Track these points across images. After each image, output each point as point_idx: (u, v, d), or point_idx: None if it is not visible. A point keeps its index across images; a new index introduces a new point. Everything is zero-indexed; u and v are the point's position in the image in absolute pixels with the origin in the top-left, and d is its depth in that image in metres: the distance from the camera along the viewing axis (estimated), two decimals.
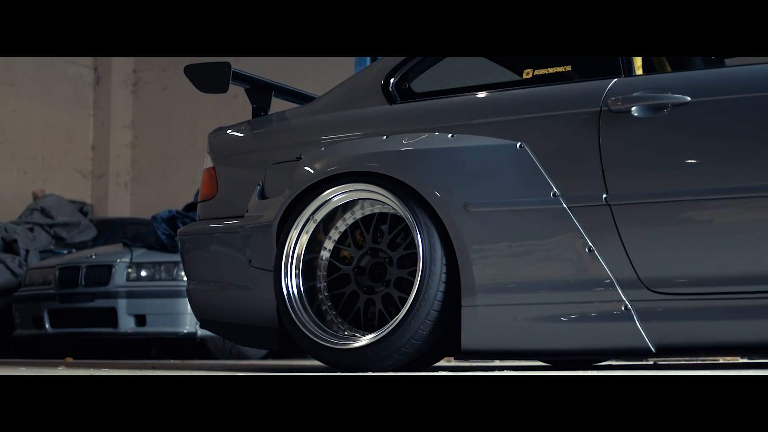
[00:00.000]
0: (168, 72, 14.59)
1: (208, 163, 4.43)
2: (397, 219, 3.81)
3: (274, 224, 3.98)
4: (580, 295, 3.46)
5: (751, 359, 6.62)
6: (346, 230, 3.92)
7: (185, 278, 4.74)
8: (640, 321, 3.37)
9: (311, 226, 3.89)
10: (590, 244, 3.45)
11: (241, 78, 4.36)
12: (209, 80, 4.24)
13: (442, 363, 6.08)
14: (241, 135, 4.44)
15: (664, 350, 3.39)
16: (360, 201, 3.87)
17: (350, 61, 9.82)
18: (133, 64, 15.08)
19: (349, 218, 3.91)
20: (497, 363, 6.96)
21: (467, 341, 3.55)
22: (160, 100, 14.76)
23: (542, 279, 3.52)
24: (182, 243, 4.43)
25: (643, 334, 3.37)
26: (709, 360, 6.58)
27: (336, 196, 3.85)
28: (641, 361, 6.81)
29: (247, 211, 4.14)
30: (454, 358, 4.00)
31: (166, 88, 14.71)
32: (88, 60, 14.86)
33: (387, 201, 3.75)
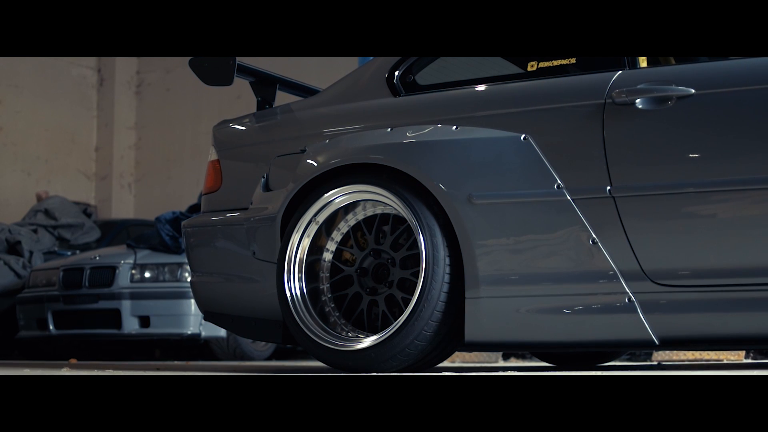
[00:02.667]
0: (171, 73, 14.61)
1: (213, 155, 4.43)
2: (399, 220, 3.81)
3: (278, 217, 3.98)
4: (583, 287, 3.45)
5: (756, 359, 6.61)
6: (348, 232, 3.92)
7: (189, 279, 4.75)
8: (644, 313, 3.37)
9: (313, 228, 3.88)
10: (594, 236, 3.44)
11: (246, 71, 4.36)
12: (214, 73, 4.24)
13: (445, 363, 6.08)
14: (246, 128, 4.45)
15: (667, 342, 3.39)
16: (362, 202, 3.87)
17: (354, 58, 9.82)
18: (137, 66, 15.10)
19: (351, 220, 3.91)
20: (501, 363, 6.96)
21: (470, 333, 3.54)
22: (164, 101, 14.78)
23: (546, 271, 3.51)
24: (187, 236, 4.44)
25: (646, 326, 3.36)
26: (713, 360, 6.58)
27: (338, 197, 3.84)
28: (645, 361, 6.81)
29: (252, 203, 4.14)
30: (458, 350, 3.98)
31: (169, 90, 14.73)
32: (91, 61, 14.88)
33: (389, 202, 3.75)
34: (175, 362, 7.57)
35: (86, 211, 11.07)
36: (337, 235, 3.93)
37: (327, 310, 3.86)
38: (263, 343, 8.33)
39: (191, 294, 4.63)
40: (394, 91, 4.07)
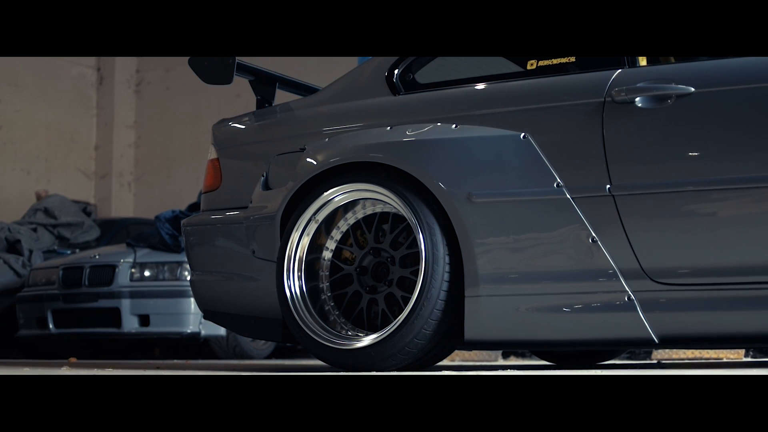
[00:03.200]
0: (171, 72, 14.61)
1: (212, 154, 4.43)
2: (398, 218, 3.81)
3: (277, 215, 3.98)
4: (583, 286, 3.45)
5: (756, 357, 6.61)
6: (347, 230, 3.92)
7: (189, 278, 4.75)
8: (643, 311, 3.37)
9: (313, 227, 3.88)
10: (593, 234, 3.44)
11: (245, 70, 4.36)
12: (214, 72, 4.24)
13: (445, 362, 6.08)
14: (245, 126, 4.45)
15: (666, 341, 3.39)
16: (361, 201, 3.87)
17: (353, 58, 9.82)
18: (136, 64, 15.10)
19: (351, 218, 3.91)
20: (501, 362, 6.96)
21: (470, 332, 3.54)
22: (163, 100, 14.78)
23: (545, 269, 3.51)
24: (186, 234, 4.44)
25: (646, 324, 3.36)
26: (712, 358, 6.58)
27: (337, 196, 3.84)
28: (645, 360, 6.81)
29: (251, 202, 4.14)
30: (457, 349, 3.99)
31: (169, 88, 14.73)
32: (91, 60, 14.88)
33: (388, 200, 3.75)
34: (175, 361, 7.57)
35: (86, 209, 11.06)
36: (336, 234, 3.93)
37: (327, 308, 3.86)
38: (263, 341, 8.33)
39: (191, 293, 4.63)
40: (394, 90, 4.07)
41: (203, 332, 7.95)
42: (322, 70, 9.87)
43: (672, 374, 2.78)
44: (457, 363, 6.64)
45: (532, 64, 3.86)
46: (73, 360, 6.95)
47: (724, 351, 6.69)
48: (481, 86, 3.91)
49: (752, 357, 6.85)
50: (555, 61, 3.80)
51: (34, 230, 9.99)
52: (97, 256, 8.39)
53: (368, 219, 3.90)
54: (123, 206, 14.74)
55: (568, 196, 3.48)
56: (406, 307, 3.58)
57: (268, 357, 8.62)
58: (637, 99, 3.46)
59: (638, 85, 3.48)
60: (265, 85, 4.51)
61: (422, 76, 4.07)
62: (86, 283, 8.15)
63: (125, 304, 7.98)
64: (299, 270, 3.87)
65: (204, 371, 4.08)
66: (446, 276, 3.55)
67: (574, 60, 3.78)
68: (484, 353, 7.40)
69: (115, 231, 10.69)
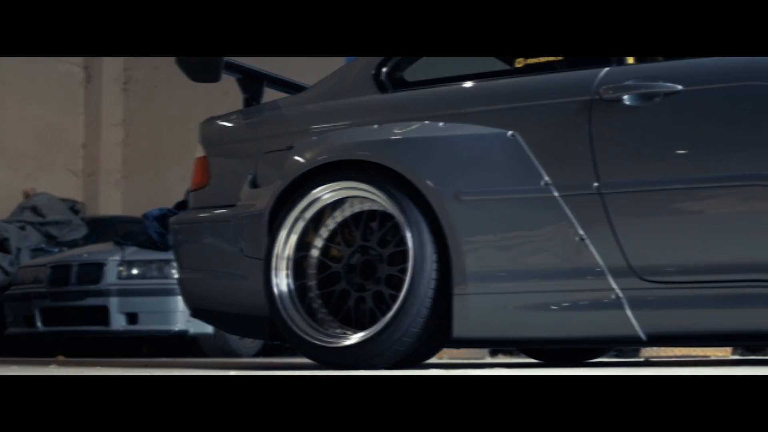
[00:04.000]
0: (159, 70, 14.55)
1: (200, 152, 4.43)
2: (386, 216, 3.81)
3: (265, 213, 3.98)
4: (571, 284, 3.46)
5: (743, 355, 6.63)
6: (335, 228, 3.92)
7: (176, 276, 4.76)
8: (631, 309, 3.37)
9: (300, 225, 3.88)
10: (581, 232, 3.45)
11: (233, 68, 4.36)
12: (201, 70, 4.24)
13: (432, 360, 6.08)
14: (233, 124, 4.45)
15: (654, 339, 3.40)
16: (349, 199, 3.87)
17: (342, 58, 9.80)
18: (124, 63, 15.04)
19: (339, 216, 3.91)
20: (489, 360, 6.97)
21: (458, 329, 3.55)
22: (151, 98, 14.73)
23: (533, 267, 3.52)
24: (174, 232, 4.44)
25: (633, 322, 3.37)
26: (700, 356, 6.60)
27: (325, 194, 3.84)
28: (633, 358, 6.83)
29: (239, 200, 4.14)
30: (445, 347, 4.00)
31: (156, 86, 14.68)
32: (78, 58, 14.82)
33: (376, 198, 3.75)
34: (163, 359, 7.56)
35: (74, 207, 11.04)
36: (324, 232, 3.92)
37: (314, 306, 3.86)
38: (251, 339, 8.32)
39: (179, 291, 4.63)
40: (382, 88, 4.07)
41: (191, 330, 7.94)
42: (310, 70, 9.87)
43: (660, 373, 2.79)
44: (445, 361, 6.64)
45: (520, 63, 3.87)
46: (61, 358, 6.94)
47: (712, 348, 6.71)
48: (469, 84, 3.91)
49: (740, 355, 6.87)
50: (543, 60, 3.81)
51: (22, 228, 9.96)
52: (85, 255, 8.38)
53: (356, 217, 3.90)
54: (111, 204, 14.69)
55: (556, 194, 3.49)
56: (393, 305, 3.58)
57: (256, 355, 8.61)
58: (625, 97, 3.46)
59: (626, 83, 3.49)
60: (252, 83, 4.50)
61: (410, 74, 4.07)
62: (74, 281, 8.14)
63: (113, 302, 7.97)
64: (287, 268, 3.87)
65: (192, 370, 4.08)
66: (434, 274, 3.56)
67: (562, 58, 3.78)
68: (472, 351, 7.40)
69: (103, 229, 10.66)
